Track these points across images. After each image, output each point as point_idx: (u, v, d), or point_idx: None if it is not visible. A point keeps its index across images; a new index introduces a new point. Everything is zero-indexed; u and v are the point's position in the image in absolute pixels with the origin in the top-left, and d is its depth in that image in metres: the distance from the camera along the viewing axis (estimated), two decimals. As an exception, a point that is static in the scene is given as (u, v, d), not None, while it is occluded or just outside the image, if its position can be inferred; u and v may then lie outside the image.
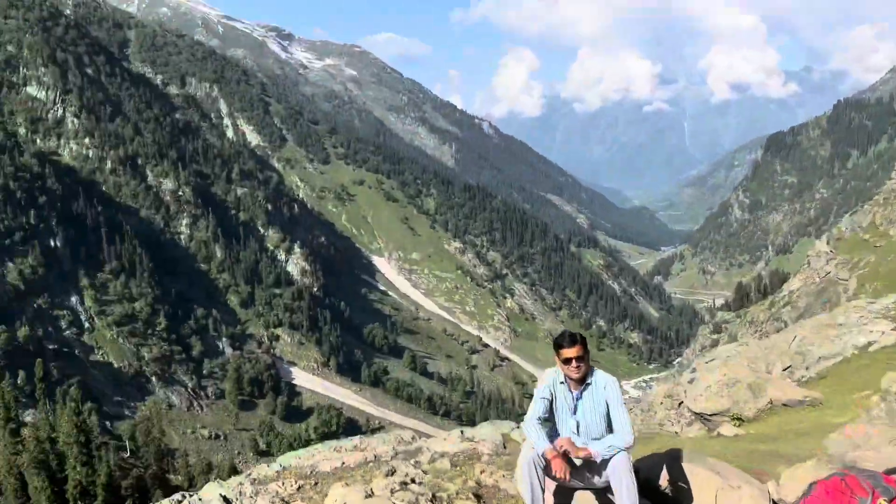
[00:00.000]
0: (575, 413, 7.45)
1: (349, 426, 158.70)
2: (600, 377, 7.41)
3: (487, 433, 9.46)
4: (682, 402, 13.83)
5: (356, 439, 9.25)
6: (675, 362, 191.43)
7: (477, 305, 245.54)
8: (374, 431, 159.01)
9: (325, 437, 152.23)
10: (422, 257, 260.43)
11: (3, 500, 47.43)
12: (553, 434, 7.52)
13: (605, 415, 7.34)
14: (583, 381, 7.38)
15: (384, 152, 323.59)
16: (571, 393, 7.45)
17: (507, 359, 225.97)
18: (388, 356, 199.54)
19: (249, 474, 9.04)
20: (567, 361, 7.19)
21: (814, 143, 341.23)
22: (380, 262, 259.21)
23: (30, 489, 45.34)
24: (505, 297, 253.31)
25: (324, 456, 8.61)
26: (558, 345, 7.33)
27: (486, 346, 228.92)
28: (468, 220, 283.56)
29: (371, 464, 7.98)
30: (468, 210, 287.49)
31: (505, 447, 9.06)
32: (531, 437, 7.24)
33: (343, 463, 7.96)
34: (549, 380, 7.59)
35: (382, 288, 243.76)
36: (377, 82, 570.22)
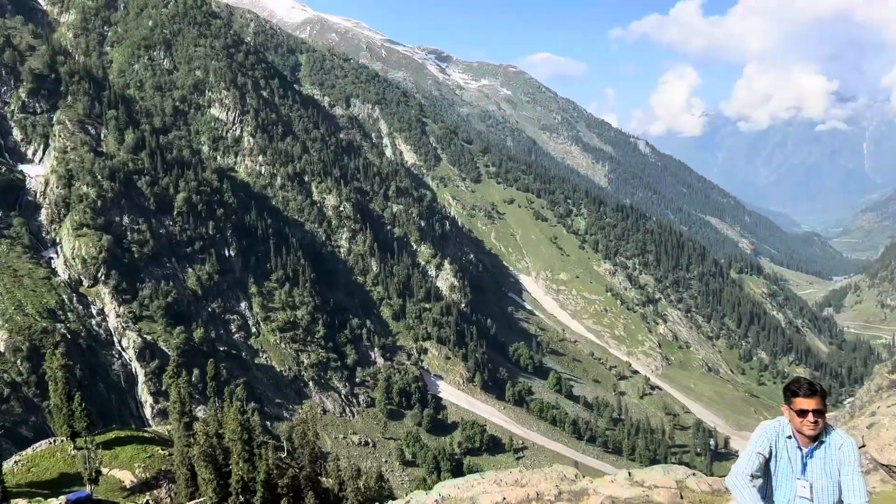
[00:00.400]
0: (803, 474, 6.42)
1: (492, 443, 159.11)
2: (836, 437, 6.44)
3: (659, 478, 8.89)
4: (863, 446, 12.74)
5: (516, 473, 9.18)
6: (845, 402, 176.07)
7: (627, 330, 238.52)
8: (517, 451, 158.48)
9: (468, 452, 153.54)
10: (570, 278, 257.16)
11: (176, 487, 51.70)
12: (764, 494, 6.48)
13: (838, 481, 6.30)
14: (816, 439, 6.43)
15: (535, 171, 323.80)
16: (801, 451, 6.46)
17: (657, 387, 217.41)
18: (533, 376, 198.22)
19: (408, 502, 9.23)
20: (802, 413, 6.27)
21: None
22: (527, 281, 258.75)
23: (199, 479, 49.21)
24: (657, 323, 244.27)
25: (483, 488, 8.56)
26: (793, 392, 6.44)
27: (636, 372, 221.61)
28: (620, 241, 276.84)
29: (534, 502, 7.79)
30: (620, 231, 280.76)
31: (682, 497, 8.42)
32: (745, 498, 6.14)
33: (504, 499, 7.84)
34: (771, 432, 6.52)
35: (529, 307, 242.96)
36: (531, 101, 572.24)
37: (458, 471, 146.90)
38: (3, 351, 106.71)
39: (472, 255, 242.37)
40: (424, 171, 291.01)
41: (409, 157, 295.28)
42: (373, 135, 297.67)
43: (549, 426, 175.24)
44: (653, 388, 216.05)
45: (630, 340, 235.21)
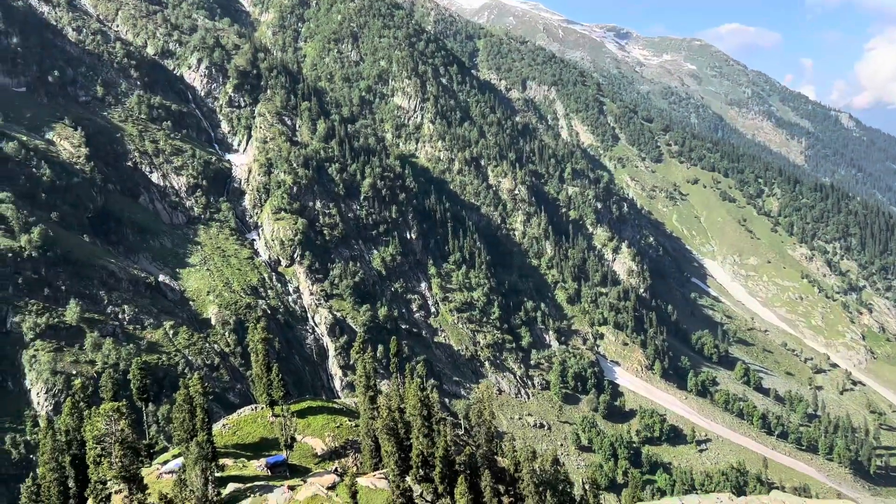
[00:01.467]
0: None
1: (672, 434, 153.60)
2: None
3: None
4: None
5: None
6: None
7: (825, 320, 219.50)
8: (699, 443, 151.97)
9: (647, 441, 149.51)
10: (760, 263, 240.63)
11: (361, 457, 55.02)
12: None
13: None
14: None
15: (722, 149, 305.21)
16: None
17: (860, 382, 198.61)
18: (718, 366, 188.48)
19: None
20: None
21: None
22: (712, 266, 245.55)
23: (382, 451, 52.00)
24: (861, 313, 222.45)
25: None
26: None
27: (835, 366, 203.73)
28: (818, 223, 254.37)
29: None
30: (818, 212, 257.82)
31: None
32: None
33: None
34: None
35: (714, 293, 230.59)
36: (718, 76, 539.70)
37: (636, 459, 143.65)
38: (213, 323, 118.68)
39: (651, 239, 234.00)
40: (601, 151, 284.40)
41: (586, 138, 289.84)
42: (548, 117, 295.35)
43: (734, 419, 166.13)
44: (855, 383, 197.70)
45: (829, 331, 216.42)
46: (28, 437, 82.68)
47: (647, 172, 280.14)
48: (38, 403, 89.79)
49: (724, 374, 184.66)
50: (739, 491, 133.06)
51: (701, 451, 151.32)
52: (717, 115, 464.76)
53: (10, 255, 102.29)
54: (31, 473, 48.44)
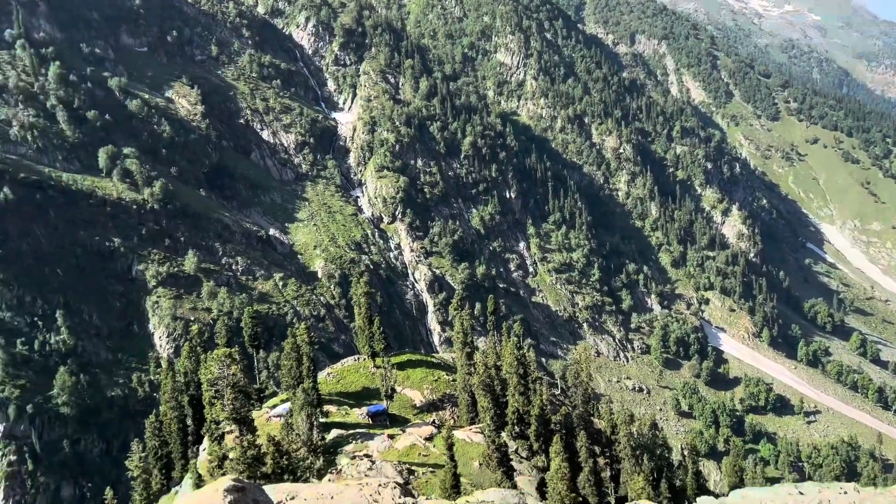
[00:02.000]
0: None
1: (779, 403, 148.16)
2: None
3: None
4: None
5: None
6: None
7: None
8: (807, 415, 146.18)
9: (751, 410, 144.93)
10: (884, 228, 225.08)
11: (458, 411, 56.26)
12: None
13: None
14: None
15: (847, 106, 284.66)
16: None
17: None
18: (832, 336, 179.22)
19: None
20: None
21: None
22: (829, 231, 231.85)
23: (478, 407, 52.95)
24: None
25: None
26: None
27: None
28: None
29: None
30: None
31: None
32: None
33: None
34: None
35: (830, 260, 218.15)
36: (845, 26, 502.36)
37: (739, 428, 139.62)
38: (320, 276, 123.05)
39: (764, 201, 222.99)
40: (714, 109, 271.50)
41: (697, 95, 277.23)
42: (657, 72, 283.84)
43: (847, 391, 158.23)
44: None
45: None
46: (152, 377, 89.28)
47: (763, 131, 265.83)
48: (161, 346, 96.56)
49: (838, 344, 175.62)
50: (850, 466, 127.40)
51: (809, 422, 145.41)
52: (842, 69, 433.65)
53: (134, 206, 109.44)
54: (155, 410, 52.28)
